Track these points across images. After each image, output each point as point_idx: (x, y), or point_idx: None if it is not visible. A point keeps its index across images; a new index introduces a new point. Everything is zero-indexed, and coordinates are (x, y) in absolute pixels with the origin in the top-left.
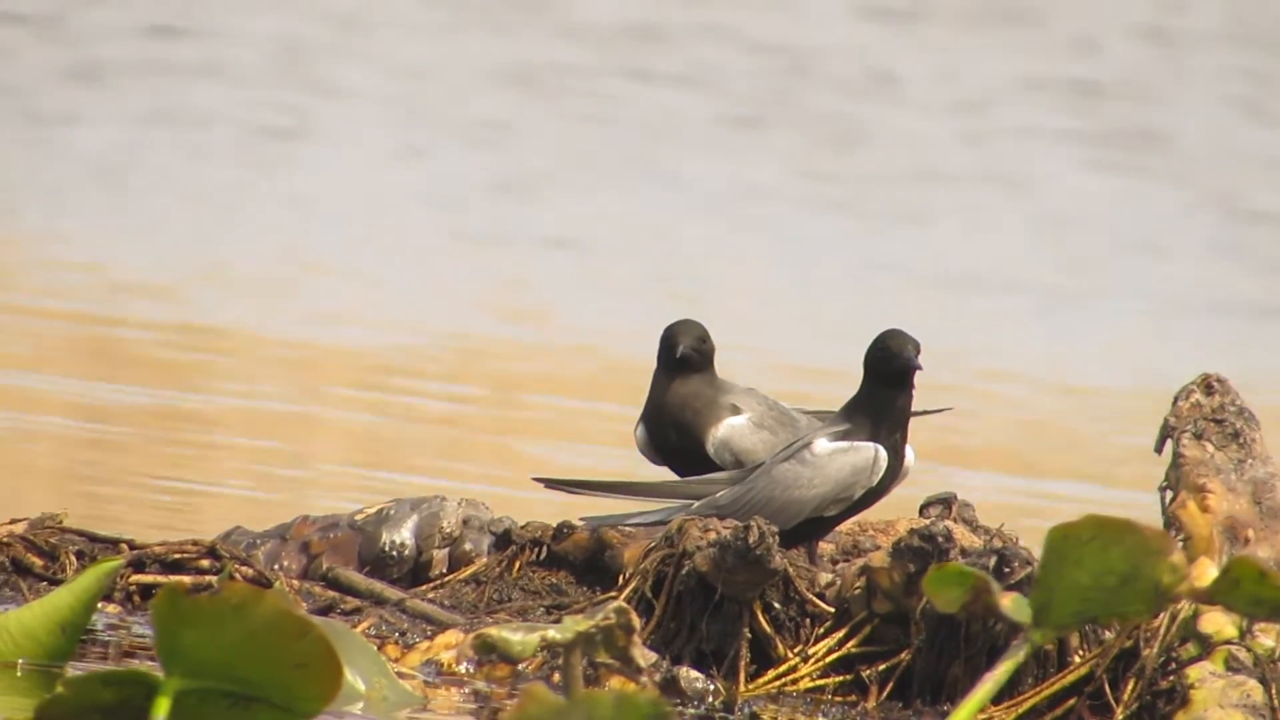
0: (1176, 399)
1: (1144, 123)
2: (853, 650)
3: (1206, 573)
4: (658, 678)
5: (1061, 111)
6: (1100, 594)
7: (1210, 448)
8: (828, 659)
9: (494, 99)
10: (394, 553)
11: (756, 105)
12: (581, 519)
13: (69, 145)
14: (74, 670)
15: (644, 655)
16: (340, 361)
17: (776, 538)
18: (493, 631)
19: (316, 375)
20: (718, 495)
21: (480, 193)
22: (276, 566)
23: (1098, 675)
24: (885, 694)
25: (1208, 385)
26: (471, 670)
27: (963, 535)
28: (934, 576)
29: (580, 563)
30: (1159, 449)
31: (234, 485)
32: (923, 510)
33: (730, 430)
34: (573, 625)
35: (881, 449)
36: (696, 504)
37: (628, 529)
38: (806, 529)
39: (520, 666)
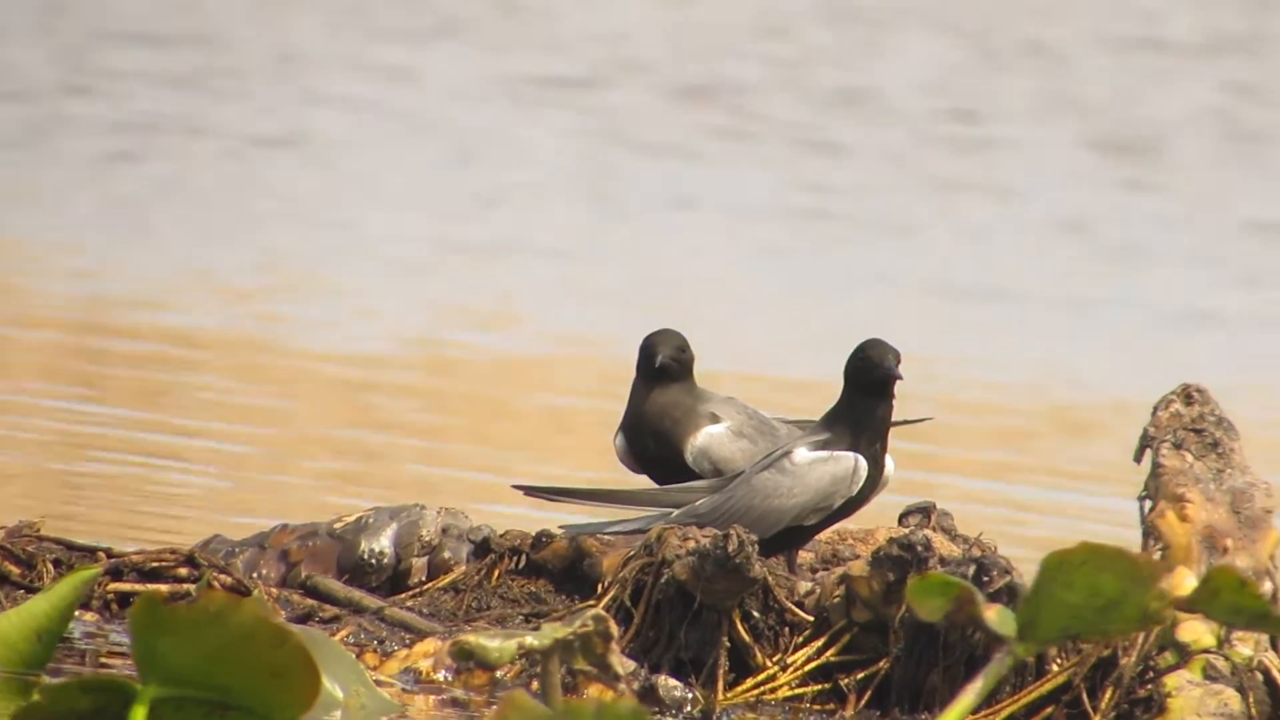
0: (1156, 409)
1: (1132, 132)
2: (831, 659)
3: (1185, 582)
4: (636, 686)
5: (1049, 121)
6: (1088, 614)
7: (1189, 457)
8: (806, 668)
9: (479, 111)
10: (373, 561)
11: (742, 116)
12: (560, 527)
13: (59, 153)
14: (51, 678)
15: (622, 663)
16: (322, 370)
17: (756, 546)
18: (470, 639)
19: (298, 383)
20: (697, 504)
21: (464, 203)
22: (255, 575)
23: (1075, 684)
24: (863, 702)
25: (1187, 395)
26: (450, 678)
27: (942, 544)
28: (918, 585)
29: (559, 571)
30: (1138, 458)
31: (213, 493)
32: (902, 519)
33: (709, 439)
34: (551, 632)
35: (861, 459)
36: (676, 512)
37: (607, 537)
38: (786, 538)
39: (498, 674)
